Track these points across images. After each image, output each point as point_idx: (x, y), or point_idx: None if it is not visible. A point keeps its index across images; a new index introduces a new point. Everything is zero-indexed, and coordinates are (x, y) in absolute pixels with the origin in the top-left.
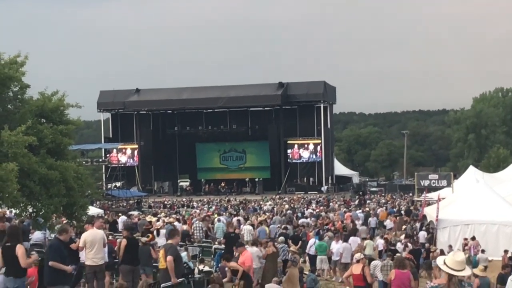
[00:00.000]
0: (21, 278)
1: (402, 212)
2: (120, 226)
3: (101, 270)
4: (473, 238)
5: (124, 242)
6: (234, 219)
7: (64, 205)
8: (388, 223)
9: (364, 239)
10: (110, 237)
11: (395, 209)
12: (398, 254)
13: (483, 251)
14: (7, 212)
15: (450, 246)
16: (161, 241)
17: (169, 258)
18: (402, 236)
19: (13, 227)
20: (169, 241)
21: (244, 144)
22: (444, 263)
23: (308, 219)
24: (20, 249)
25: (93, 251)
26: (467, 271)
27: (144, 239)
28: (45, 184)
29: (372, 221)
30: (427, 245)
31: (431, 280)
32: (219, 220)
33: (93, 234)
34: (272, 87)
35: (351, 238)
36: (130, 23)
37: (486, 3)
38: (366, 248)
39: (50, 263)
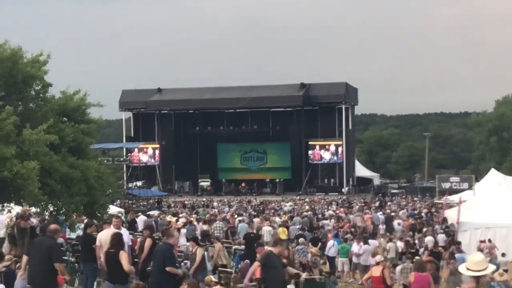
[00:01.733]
0: (125, 284)
1: (423, 214)
2: (139, 226)
3: None
4: (489, 241)
5: (148, 241)
6: (255, 220)
7: (85, 204)
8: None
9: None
10: (131, 236)
11: (415, 212)
12: (417, 257)
13: (503, 254)
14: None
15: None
16: (181, 240)
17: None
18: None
19: (117, 234)
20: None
21: (265, 144)
22: (466, 268)
23: (328, 220)
24: (123, 255)
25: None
26: (490, 268)
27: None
28: (66, 182)
29: (395, 223)
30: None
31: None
32: (242, 221)
33: (107, 234)
34: (294, 88)
35: (371, 241)
36: (153, 22)
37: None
38: (389, 251)
39: (168, 268)
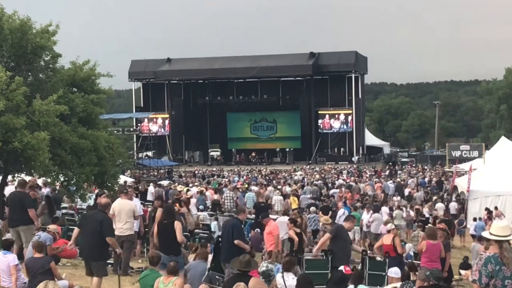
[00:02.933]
0: (179, 255)
1: (433, 183)
2: (149, 196)
3: (128, 240)
4: (496, 208)
5: (159, 212)
6: (268, 189)
7: (95, 174)
8: (417, 195)
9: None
10: (142, 206)
11: (426, 180)
12: (429, 225)
13: None
14: (40, 181)
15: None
16: (192, 210)
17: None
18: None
19: (169, 207)
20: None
21: (275, 114)
22: (490, 233)
23: (338, 189)
24: (178, 225)
25: (119, 221)
26: None
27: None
28: (77, 153)
29: (406, 191)
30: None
31: None
32: (250, 190)
33: (120, 204)
34: (303, 57)
35: (382, 208)
36: None
37: None
38: (396, 218)
39: (236, 241)
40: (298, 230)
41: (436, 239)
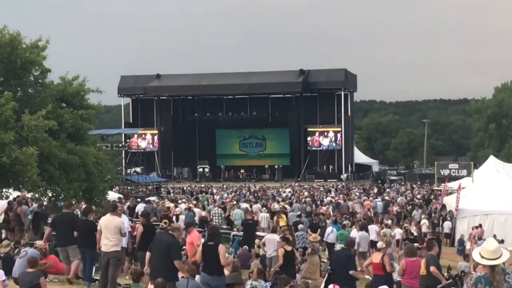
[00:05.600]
0: (221, 276)
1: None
2: (139, 213)
3: (114, 257)
4: (480, 226)
5: (140, 228)
6: (255, 206)
7: (84, 189)
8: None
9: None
10: (130, 223)
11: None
12: (409, 244)
13: (502, 241)
14: (28, 195)
15: (495, 236)
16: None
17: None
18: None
19: (214, 227)
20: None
21: (264, 131)
22: (481, 255)
23: (327, 207)
24: (222, 249)
25: (105, 237)
26: (505, 256)
27: (162, 225)
28: (65, 168)
29: (395, 210)
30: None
31: None
32: (238, 207)
33: (107, 220)
34: (293, 74)
35: (370, 227)
36: (151, 8)
37: None
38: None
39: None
40: (289, 248)
41: (415, 256)
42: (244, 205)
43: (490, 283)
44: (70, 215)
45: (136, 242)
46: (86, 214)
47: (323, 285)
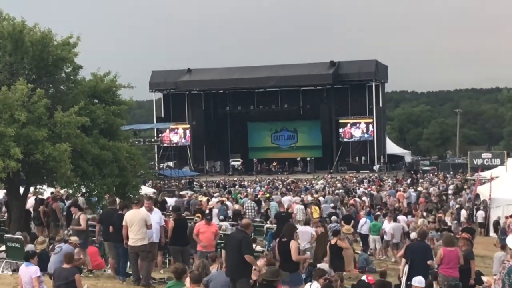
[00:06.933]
0: (295, 272)
1: (450, 191)
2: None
3: (142, 250)
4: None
5: (171, 223)
6: (284, 198)
7: (117, 185)
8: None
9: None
10: (164, 217)
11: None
12: (447, 233)
13: None
14: (62, 191)
15: None
16: (214, 220)
17: None
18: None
19: (291, 225)
20: None
21: (296, 123)
22: None
23: (362, 198)
24: (293, 244)
25: (132, 231)
26: None
27: (195, 219)
28: (98, 164)
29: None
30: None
31: None
32: (271, 200)
33: (132, 214)
34: (324, 66)
35: (400, 217)
36: (183, 3)
37: None
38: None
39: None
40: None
41: (453, 246)
42: (278, 198)
43: None
44: (116, 211)
45: (168, 236)
46: (121, 209)
47: (405, 276)
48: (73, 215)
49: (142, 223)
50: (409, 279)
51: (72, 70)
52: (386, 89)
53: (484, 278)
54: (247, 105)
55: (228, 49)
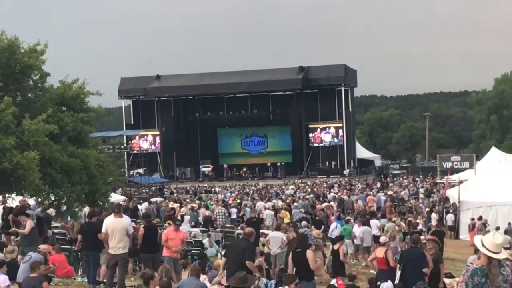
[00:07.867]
0: (311, 281)
1: (421, 195)
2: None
3: (122, 259)
4: (480, 218)
5: (141, 230)
6: (258, 203)
7: (86, 192)
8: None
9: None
10: (133, 224)
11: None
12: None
13: (506, 232)
14: (30, 200)
15: (498, 228)
16: (184, 227)
17: None
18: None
19: (303, 235)
20: None
21: (266, 128)
22: (483, 245)
23: (331, 202)
24: (310, 254)
25: (113, 239)
26: (504, 254)
27: (165, 226)
28: (67, 172)
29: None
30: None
31: None
32: (245, 206)
33: (113, 222)
34: (293, 71)
35: (372, 221)
36: (150, 9)
37: None
38: (388, 231)
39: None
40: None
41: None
42: (249, 203)
43: (486, 275)
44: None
45: (138, 243)
46: (90, 217)
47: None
48: (22, 222)
49: (123, 232)
50: (404, 284)
51: (39, 77)
52: (355, 94)
53: (446, 281)
54: (217, 111)
55: (197, 55)
